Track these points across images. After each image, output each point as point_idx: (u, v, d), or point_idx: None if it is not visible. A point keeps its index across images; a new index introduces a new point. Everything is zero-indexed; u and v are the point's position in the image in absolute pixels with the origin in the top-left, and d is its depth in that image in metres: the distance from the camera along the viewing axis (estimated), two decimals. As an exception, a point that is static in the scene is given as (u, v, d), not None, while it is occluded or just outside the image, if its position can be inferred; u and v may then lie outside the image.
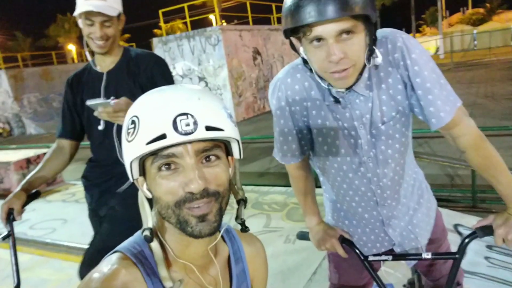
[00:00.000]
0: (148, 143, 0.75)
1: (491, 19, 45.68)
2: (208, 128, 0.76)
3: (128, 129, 0.79)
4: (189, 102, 0.77)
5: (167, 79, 1.97)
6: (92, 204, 2.10)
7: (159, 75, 1.95)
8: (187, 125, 0.74)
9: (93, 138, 2.05)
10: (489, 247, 3.00)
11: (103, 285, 0.77)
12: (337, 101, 1.26)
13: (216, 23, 15.94)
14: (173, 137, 0.74)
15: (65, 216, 5.17)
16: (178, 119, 0.74)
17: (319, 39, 1.09)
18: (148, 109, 0.78)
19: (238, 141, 0.85)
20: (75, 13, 1.85)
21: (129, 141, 0.79)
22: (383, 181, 1.37)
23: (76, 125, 2.09)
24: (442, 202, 4.40)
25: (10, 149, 9.16)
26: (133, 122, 0.78)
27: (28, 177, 1.93)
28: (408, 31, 43.80)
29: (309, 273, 2.87)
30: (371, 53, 1.15)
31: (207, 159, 0.80)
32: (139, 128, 0.77)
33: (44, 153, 7.16)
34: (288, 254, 3.14)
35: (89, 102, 1.72)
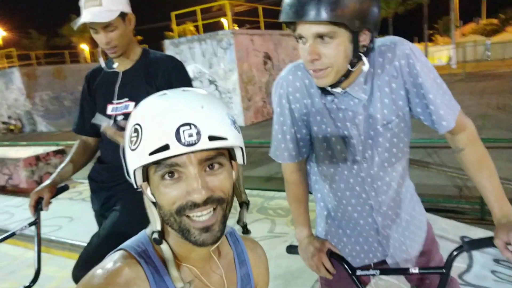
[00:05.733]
0: (151, 154, 0.75)
1: (504, 30, 45.27)
2: (211, 138, 0.75)
3: (131, 137, 0.79)
4: (192, 111, 0.76)
5: (185, 84, 1.93)
6: (97, 206, 2.08)
7: (177, 80, 1.92)
8: (190, 135, 0.74)
9: (103, 138, 2.03)
10: (496, 261, 2.95)
11: (106, 281, 0.77)
12: (330, 95, 1.29)
13: (228, 27, 16.00)
14: (176, 148, 0.74)
15: (72, 214, 5.21)
16: (181, 130, 0.74)
17: (301, 37, 1.16)
18: (150, 118, 0.77)
19: (241, 148, 0.84)
20: (77, 25, 1.83)
21: (132, 150, 0.78)
22: (378, 183, 1.38)
23: None
24: (450, 213, 4.35)
25: (20, 145, 9.27)
26: (136, 130, 0.78)
27: (57, 170, 1.99)
28: (421, 40, 43.58)
29: (312, 280, 2.84)
30: (358, 60, 1.18)
31: (211, 167, 0.80)
32: (141, 138, 0.76)
33: (54, 151, 7.24)
34: (291, 260, 3.11)
35: (94, 120, 1.82)
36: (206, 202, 0.78)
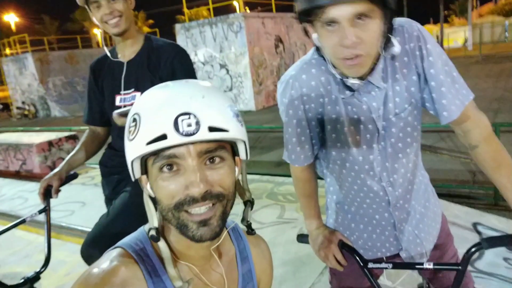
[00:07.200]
0: (148, 143, 0.72)
1: (524, 9, 43.91)
2: (211, 129, 0.73)
3: (130, 127, 0.77)
4: (192, 101, 0.74)
5: (188, 73, 1.91)
6: (108, 191, 2.10)
7: (180, 68, 1.89)
8: (189, 125, 0.71)
9: (113, 127, 2.05)
10: (509, 248, 2.90)
11: (102, 281, 0.75)
12: (351, 90, 1.20)
13: (239, 10, 15.82)
14: (174, 138, 0.71)
15: (84, 199, 5.28)
16: (179, 119, 0.71)
17: (333, 22, 1.04)
18: (149, 107, 0.75)
19: (244, 142, 0.81)
20: (79, 2, 1.81)
21: (130, 140, 0.76)
22: (394, 177, 1.32)
23: (104, 112, 2.08)
24: (463, 199, 4.29)
25: (34, 131, 9.39)
26: (134, 120, 0.76)
27: (67, 158, 2.01)
28: (436, 21, 42.63)
29: (321, 266, 2.83)
30: (387, 42, 1.10)
31: (211, 160, 0.77)
32: (139, 127, 0.74)
33: (66, 136, 7.32)
34: (300, 247, 3.07)
35: (115, 114, 1.78)
36: (204, 198, 0.75)
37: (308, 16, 1.09)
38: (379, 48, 1.09)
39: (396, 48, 1.11)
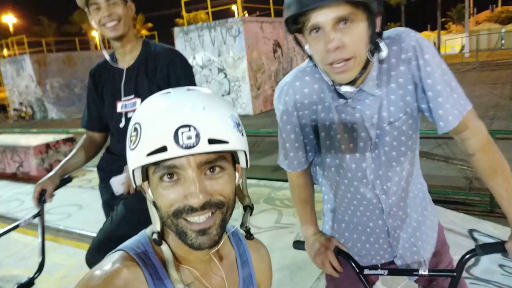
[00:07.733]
0: (148, 155, 0.73)
1: (520, 17, 44.22)
2: (211, 141, 0.73)
3: (131, 136, 0.78)
4: (192, 112, 0.74)
5: (184, 78, 1.91)
6: (106, 196, 2.09)
7: (174, 75, 1.90)
8: (189, 138, 0.72)
9: (113, 133, 2.05)
10: (505, 254, 2.92)
11: (104, 282, 0.76)
12: (345, 98, 1.21)
13: (238, 14, 15.87)
14: (173, 150, 0.72)
15: (81, 202, 5.27)
16: (179, 131, 0.72)
17: (317, 28, 1.07)
18: (150, 117, 0.76)
19: (245, 151, 0.82)
20: (78, 3, 1.82)
21: (131, 149, 0.77)
22: (387, 185, 1.32)
23: (103, 117, 2.08)
24: (459, 205, 4.31)
25: (31, 133, 9.37)
26: (135, 129, 0.77)
27: (62, 162, 2.00)
28: (434, 27, 42.85)
29: (318, 272, 2.84)
30: (375, 47, 1.11)
31: (211, 170, 0.78)
32: (140, 137, 0.75)
33: (64, 139, 7.30)
34: (297, 251, 3.10)
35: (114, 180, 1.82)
36: (204, 207, 0.76)
37: (296, 24, 1.12)
38: (366, 53, 1.10)
39: (384, 52, 1.13)
